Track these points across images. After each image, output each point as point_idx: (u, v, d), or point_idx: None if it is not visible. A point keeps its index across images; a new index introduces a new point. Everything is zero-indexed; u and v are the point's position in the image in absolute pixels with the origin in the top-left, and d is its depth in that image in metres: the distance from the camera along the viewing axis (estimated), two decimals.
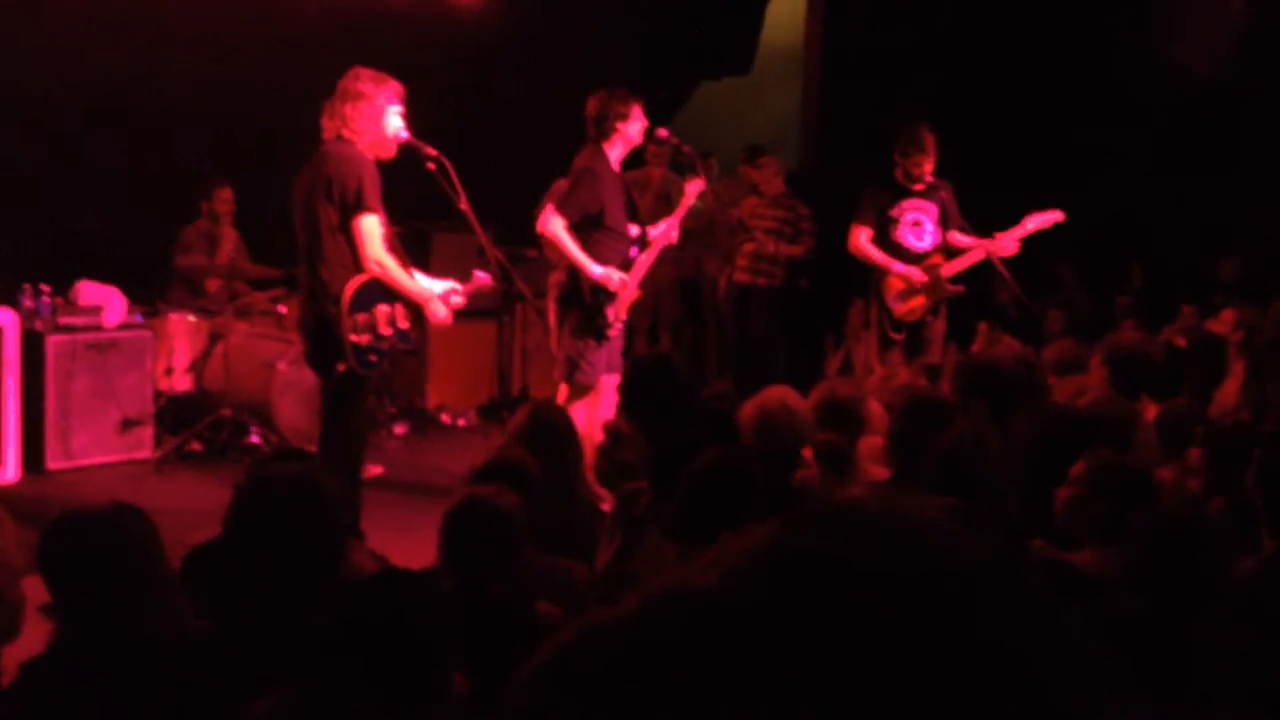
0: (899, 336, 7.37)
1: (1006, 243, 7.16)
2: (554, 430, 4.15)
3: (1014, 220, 7.26)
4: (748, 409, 4.00)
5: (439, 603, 2.35)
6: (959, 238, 7.35)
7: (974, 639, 0.57)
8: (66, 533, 2.70)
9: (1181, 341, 6.02)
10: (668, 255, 7.32)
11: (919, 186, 7.29)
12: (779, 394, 4.02)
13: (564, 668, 0.60)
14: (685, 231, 7.29)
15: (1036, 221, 7.15)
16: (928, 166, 7.24)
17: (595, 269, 6.22)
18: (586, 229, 6.28)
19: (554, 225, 6.23)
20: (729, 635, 0.57)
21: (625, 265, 6.36)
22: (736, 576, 0.60)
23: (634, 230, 6.47)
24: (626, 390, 4.54)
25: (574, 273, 6.31)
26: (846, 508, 0.63)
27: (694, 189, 6.57)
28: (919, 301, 7.32)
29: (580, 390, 6.31)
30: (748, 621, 0.58)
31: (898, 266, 7.28)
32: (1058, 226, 7.21)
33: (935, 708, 0.55)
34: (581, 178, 6.32)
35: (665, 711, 0.56)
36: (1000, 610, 0.59)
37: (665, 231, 6.55)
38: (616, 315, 6.34)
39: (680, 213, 6.62)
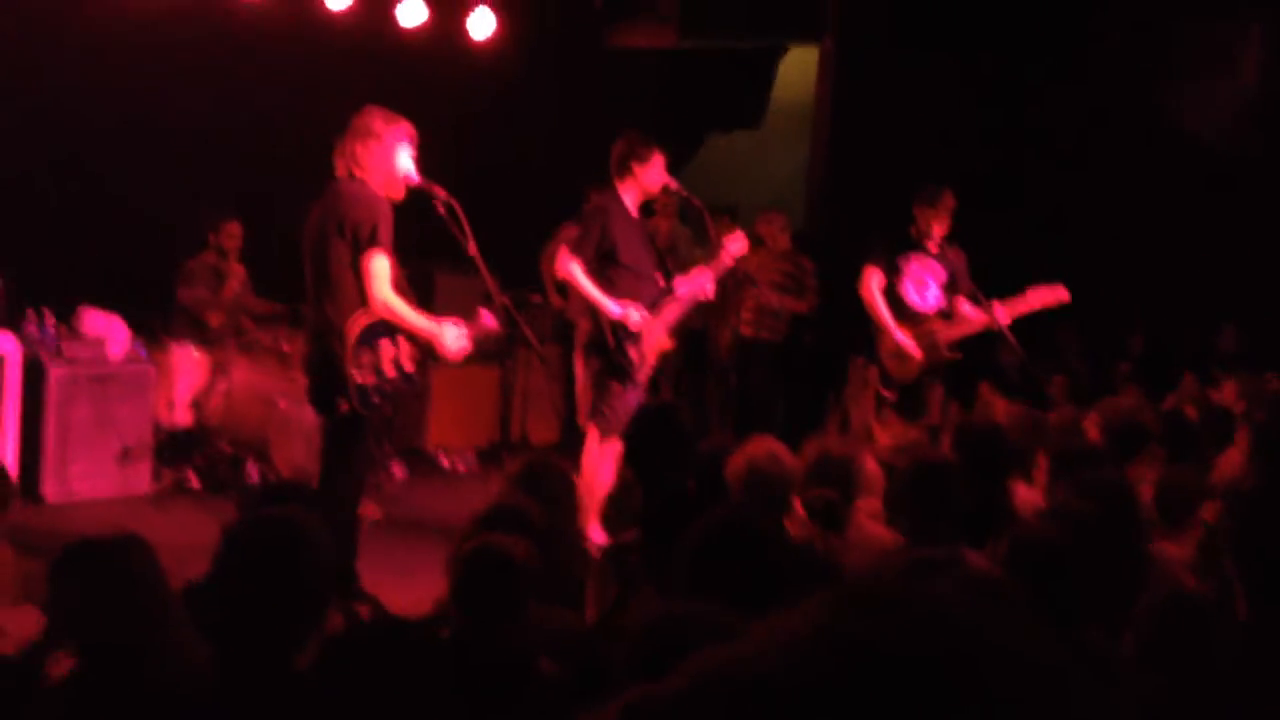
0: (890, 394, 7.38)
1: (1006, 315, 7.16)
2: (550, 479, 4.13)
3: (1013, 284, 7.26)
4: (736, 460, 4.01)
5: (430, 655, 2.33)
6: (965, 307, 7.34)
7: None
8: (78, 562, 2.71)
9: (1192, 412, 6.04)
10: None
11: (932, 247, 7.31)
12: (766, 445, 4.03)
13: None
14: None
15: (1040, 297, 7.13)
16: (942, 229, 7.27)
17: (614, 308, 6.28)
18: (604, 268, 6.34)
19: (570, 267, 6.33)
20: (778, 717, 0.57)
21: (650, 306, 6.40)
22: (785, 658, 0.60)
23: (660, 278, 6.52)
24: (629, 438, 4.54)
25: (597, 318, 6.36)
26: (887, 590, 0.63)
27: (736, 246, 6.59)
28: (914, 363, 7.32)
29: (608, 434, 6.32)
30: (797, 703, 0.57)
31: (898, 335, 7.27)
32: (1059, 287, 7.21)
33: None
34: (592, 217, 6.44)
35: None
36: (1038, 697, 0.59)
37: (700, 284, 6.57)
38: (642, 357, 6.36)
39: (719, 268, 6.63)
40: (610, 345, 6.32)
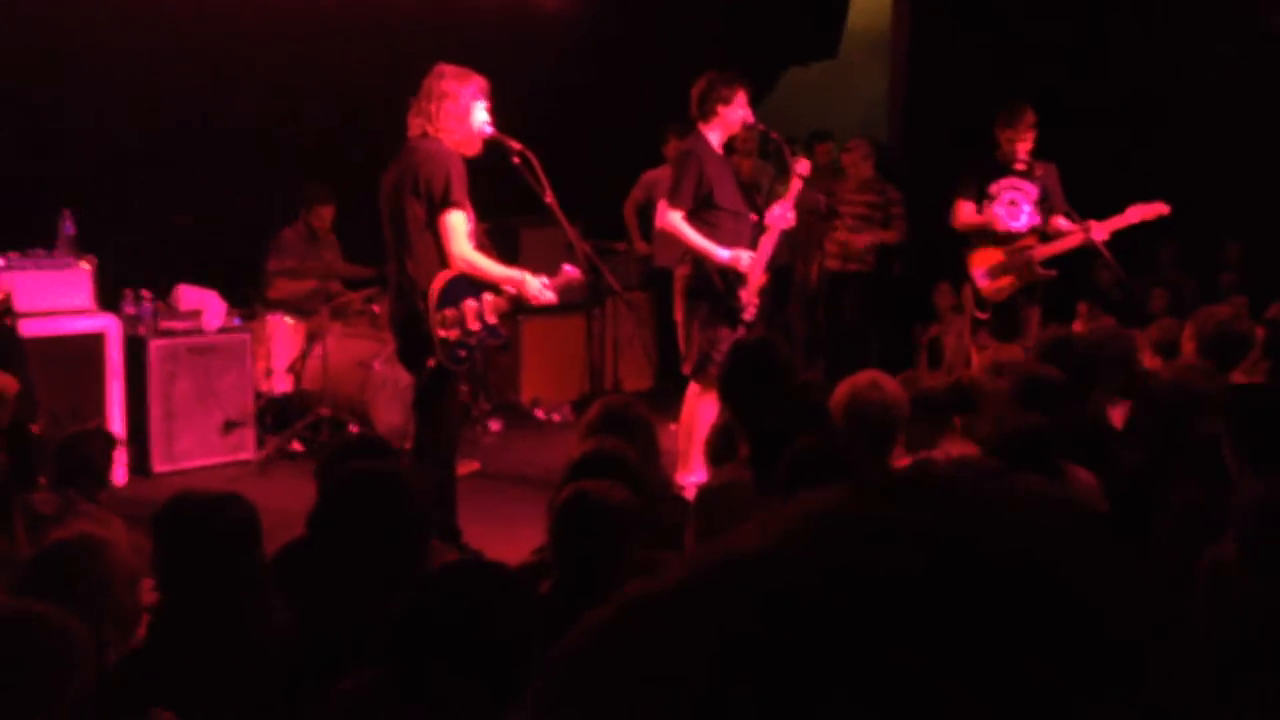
0: (984, 315, 7.27)
1: (1104, 231, 6.99)
2: (626, 422, 4.12)
3: (1109, 200, 7.09)
4: (839, 393, 3.94)
5: (521, 597, 2.34)
6: (1062, 223, 7.18)
7: (1040, 606, 0.53)
8: (183, 510, 2.79)
9: None
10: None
11: (1019, 165, 7.15)
12: (870, 377, 3.95)
13: (603, 641, 0.57)
14: None
15: (1139, 213, 6.96)
16: (1027, 145, 7.11)
17: (722, 253, 6.24)
18: (700, 213, 6.29)
19: (671, 218, 6.27)
20: (778, 602, 0.54)
21: (750, 245, 6.35)
22: (785, 541, 0.56)
23: (752, 215, 6.45)
24: (725, 374, 4.48)
25: (699, 263, 6.31)
26: (911, 474, 0.60)
27: (802, 169, 6.52)
28: (1007, 281, 7.20)
29: (713, 382, 6.28)
30: (797, 587, 0.54)
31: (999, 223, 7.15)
32: (1154, 201, 7.02)
33: (988, 677, 0.51)
34: (684, 162, 6.35)
35: (710, 680, 0.52)
36: (1075, 578, 0.55)
37: (781, 214, 6.49)
38: (749, 299, 6.32)
39: (793, 194, 6.56)
40: (720, 289, 6.28)
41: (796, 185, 6.56)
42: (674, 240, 6.45)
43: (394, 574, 2.80)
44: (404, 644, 2.21)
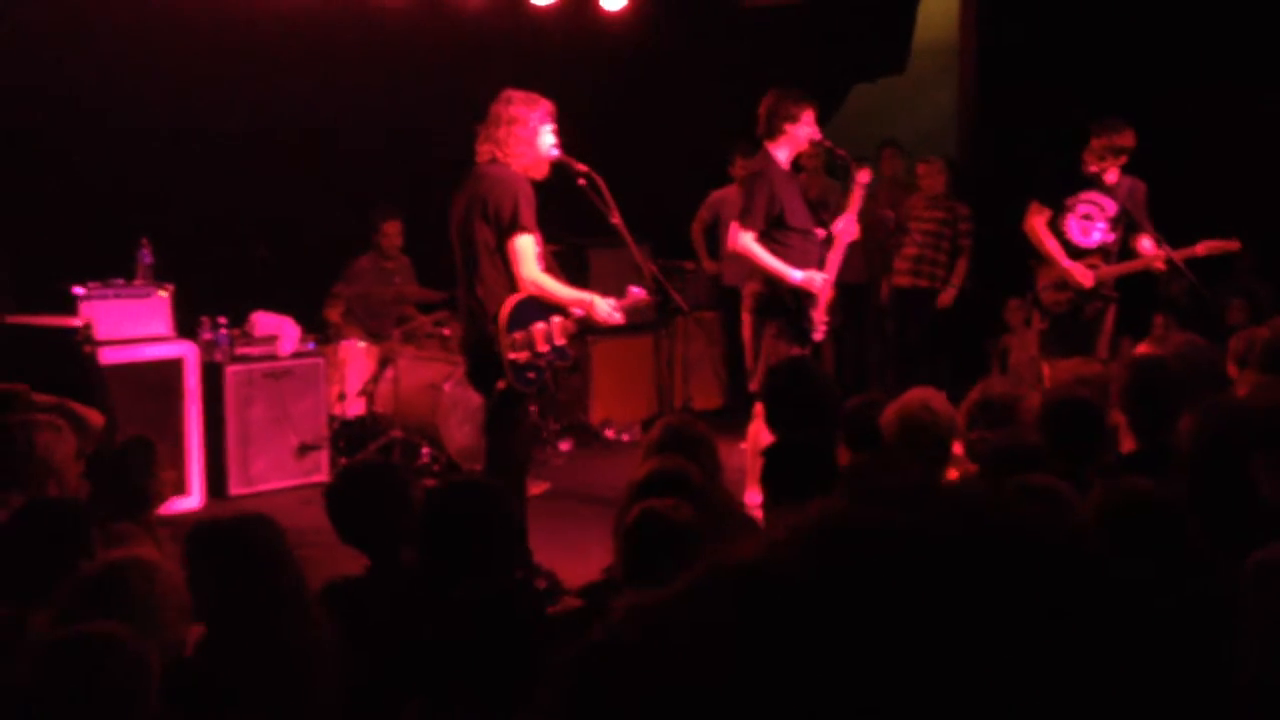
0: (1044, 325, 7.20)
1: (1173, 261, 6.90)
2: (688, 440, 4.12)
3: (1186, 210, 6.99)
4: (889, 412, 3.93)
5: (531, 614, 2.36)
6: (1145, 244, 7.06)
7: (1024, 618, 0.54)
8: (199, 541, 2.84)
9: None
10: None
11: (1107, 180, 7.05)
12: (920, 395, 3.93)
13: (610, 647, 0.58)
14: None
15: (1210, 248, 6.88)
16: (1115, 162, 7.01)
17: (796, 274, 6.25)
18: (771, 233, 6.29)
19: (744, 241, 6.29)
20: (776, 608, 0.55)
21: (819, 263, 6.35)
22: (784, 549, 0.57)
23: (820, 232, 6.45)
24: (766, 396, 4.48)
25: (771, 281, 6.32)
26: (906, 486, 0.60)
27: (863, 178, 6.51)
28: (1067, 295, 7.11)
29: None
30: (794, 593, 0.55)
31: (1066, 263, 7.06)
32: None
33: (978, 682, 0.52)
34: (755, 183, 6.36)
35: (712, 685, 0.54)
36: (1058, 593, 0.55)
37: (846, 228, 6.49)
38: (819, 318, 6.33)
39: (856, 206, 6.55)
40: (791, 308, 6.29)
41: (858, 195, 6.54)
42: (744, 259, 6.45)
43: (482, 588, 2.83)
44: (436, 671, 2.24)
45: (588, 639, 0.60)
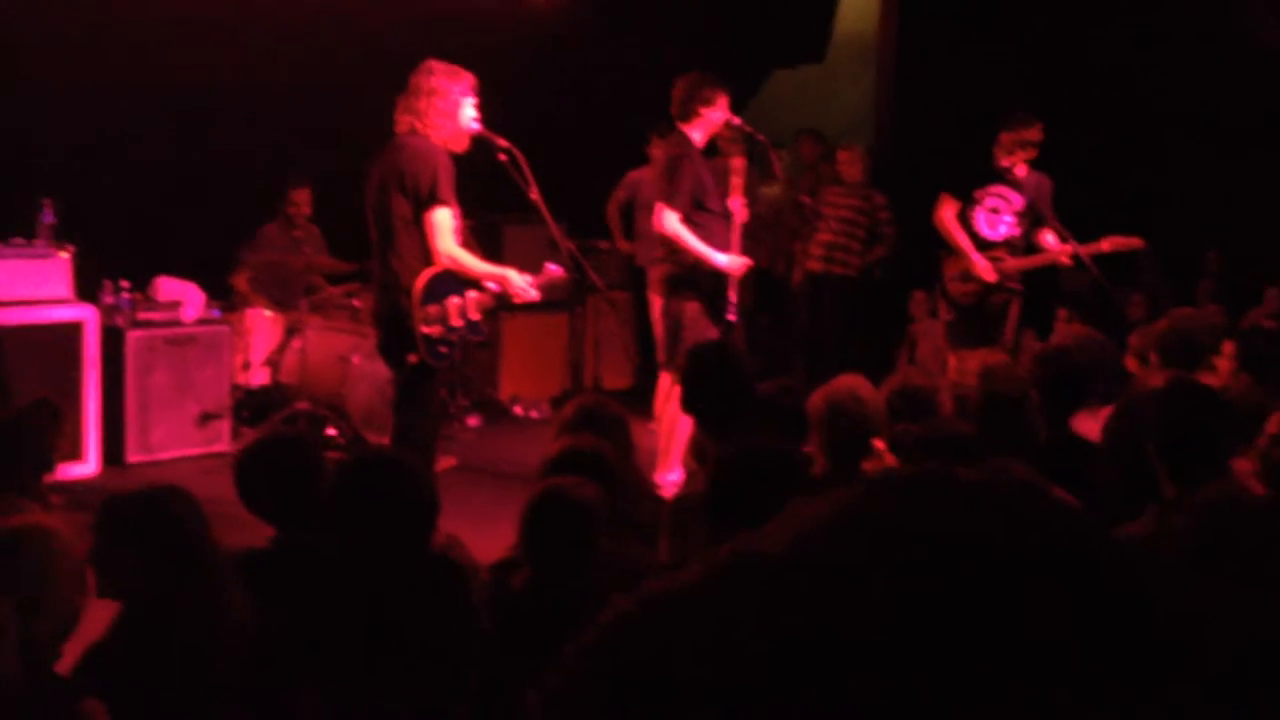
0: (951, 317, 7.33)
1: (1078, 255, 7.03)
2: (601, 420, 4.12)
3: (1093, 208, 7.12)
4: (816, 399, 3.93)
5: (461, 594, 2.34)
6: (1048, 239, 7.19)
7: (1053, 608, 0.53)
8: (115, 516, 2.76)
9: (1270, 324, 5.84)
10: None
11: (1014, 175, 7.16)
12: (849, 383, 3.93)
13: (627, 635, 0.57)
14: (757, 220, 7.24)
15: (1114, 244, 7.02)
16: (1024, 156, 7.12)
17: (720, 258, 6.26)
18: (690, 215, 6.29)
19: (670, 222, 6.27)
20: (800, 599, 0.54)
21: (728, 245, 6.37)
22: (808, 540, 0.56)
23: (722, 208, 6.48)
24: (685, 381, 4.47)
25: (686, 262, 6.31)
26: (925, 474, 0.60)
27: (739, 167, 6.56)
28: (975, 286, 7.23)
29: None
30: (819, 585, 0.54)
31: (975, 256, 7.17)
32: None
33: (1004, 673, 0.51)
34: (678, 164, 6.33)
35: (733, 676, 0.53)
36: (1080, 578, 0.55)
37: (740, 209, 6.52)
38: (733, 299, 6.36)
39: (738, 189, 6.57)
40: (707, 290, 6.30)
41: (737, 179, 6.57)
42: (668, 240, 6.44)
43: (402, 564, 2.80)
44: (352, 645, 2.21)
45: (600, 627, 0.58)
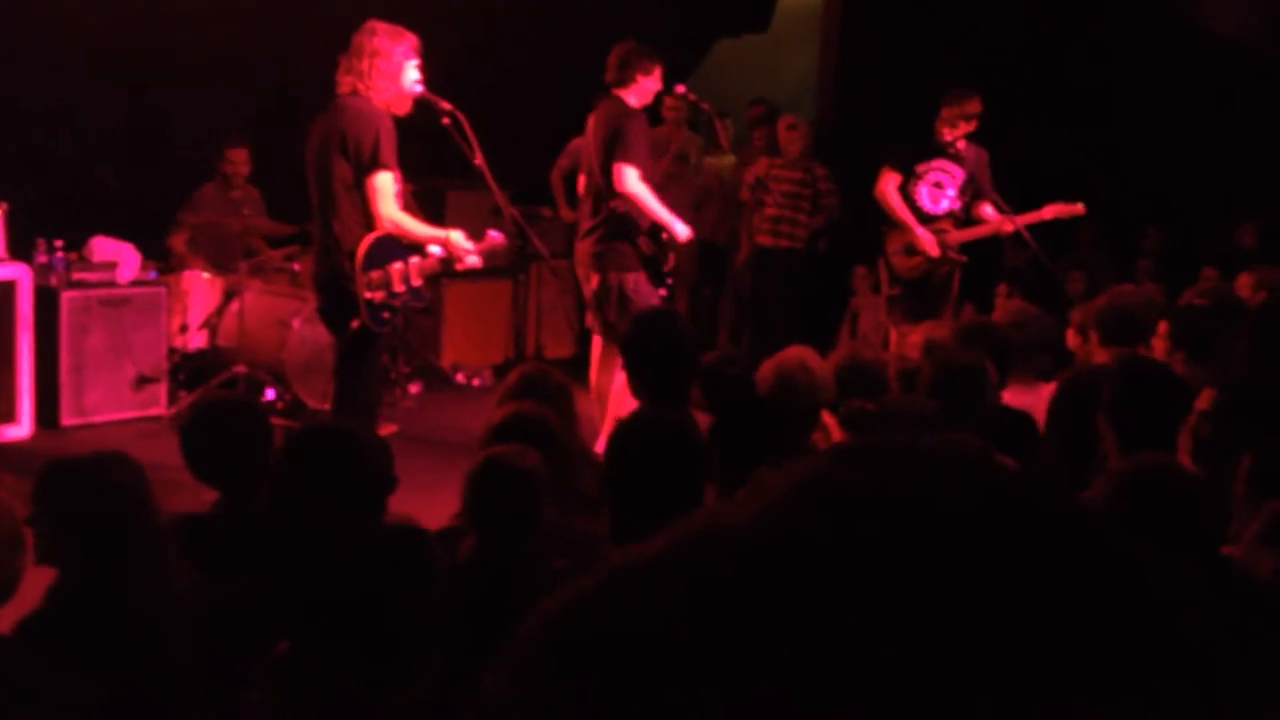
0: (894, 291, 7.37)
1: (1019, 226, 7.10)
2: (544, 389, 4.10)
3: (1035, 183, 7.19)
4: (765, 369, 3.93)
5: (427, 568, 2.32)
6: (987, 211, 7.25)
7: (1030, 574, 0.53)
8: (58, 482, 2.72)
9: (1203, 302, 5.92)
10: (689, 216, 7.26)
11: (954, 149, 7.20)
12: (798, 354, 3.94)
13: (587, 609, 0.56)
14: (703, 191, 7.22)
15: (1056, 211, 7.09)
16: (965, 130, 7.17)
17: (680, 228, 6.21)
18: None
19: (630, 180, 6.11)
20: (768, 570, 0.53)
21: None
22: (776, 510, 0.56)
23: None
24: (628, 346, 4.44)
25: (620, 227, 6.25)
26: (894, 443, 0.59)
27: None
28: (919, 260, 7.28)
29: None
30: (788, 556, 0.54)
31: (918, 230, 7.21)
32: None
33: (979, 647, 0.51)
34: (633, 120, 6.22)
35: (699, 650, 0.52)
36: (1057, 547, 0.55)
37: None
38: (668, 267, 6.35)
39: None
40: (651, 253, 6.26)
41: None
42: (588, 211, 6.36)
43: (350, 534, 2.78)
44: (316, 618, 2.19)
45: (563, 598, 0.57)
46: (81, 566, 2.62)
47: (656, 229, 6.26)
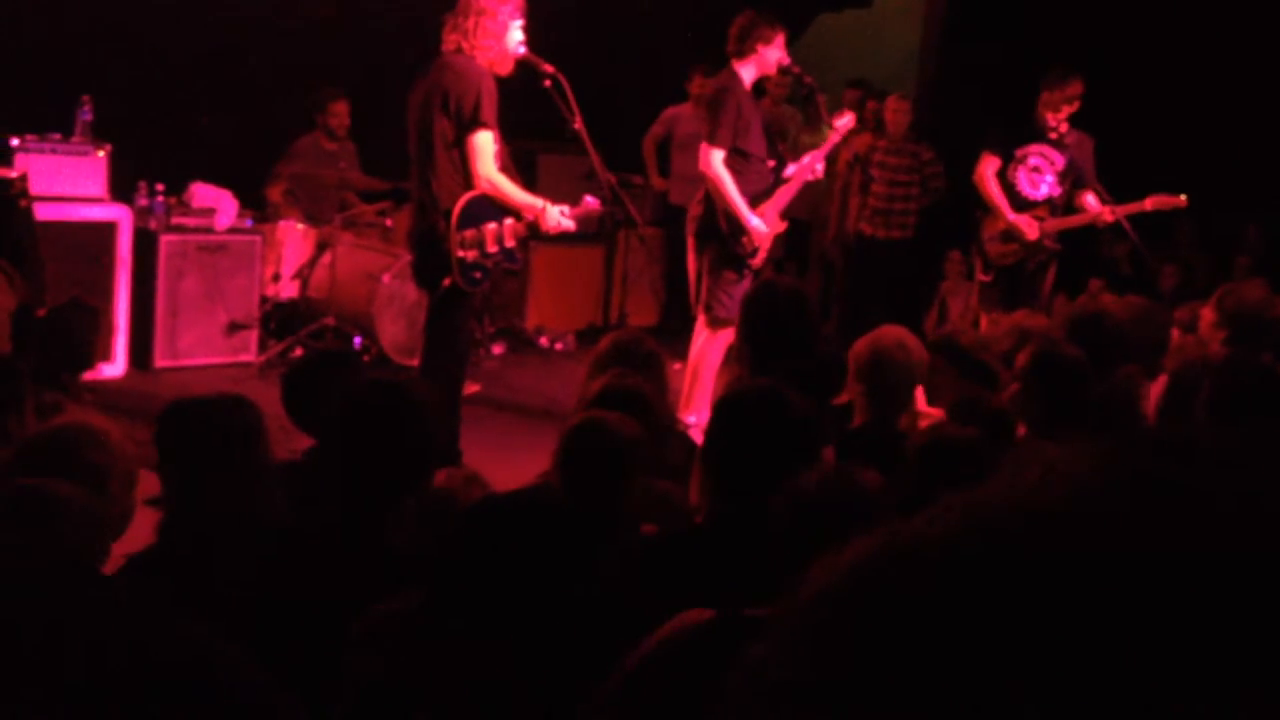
0: (987, 278, 7.24)
1: (1118, 217, 6.95)
2: (638, 357, 4.08)
3: (1135, 173, 7.02)
4: (860, 347, 3.88)
5: (552, 528, 2.31)
6: (1089, 199, 7.09)
7: None
8: (186, 417, 2.76)
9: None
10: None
11: (1053, 134, 7.05)
12: (895, 333, 3.89)
13: (877, 580, 0.53)
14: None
15: (1157, 203, 6.92)
16: (1068, 112, 7.01)
17: (752, 219, 6.09)
18: (729, 156, 6.13)
19: (715, 163, 6.06)
20: (1089, 557, 0.50)
21: (766, 194, 6.25)
22: (1086, 495, 0.52)
23: (770, 162, 6.34)
24: (747, 315, 4.37)
25: (710, 203, 6.19)
26: (1176, 434, 0.55)
27: (843, 125, 6.45)
28: (1013, 247, 7.15)
29: (718, 324, 6.20)
30: (1114, 544, 0.50)
31: (1011, 216, 7.08)
32: (1176, 179, 6.96)
33: None
34: (722, 100, 6.15)
35: (1004, 633, 0.49)
36: None
37: (809, 165, 6.40)
38: (755, 247, 6.19)
39: (827, 148, 6.49)
40: (724, 232, 6.17)
41: (834, 139, 6.47)
42: (694, 179, 6.31)
43: (399, 490, 2.79)
44: (444, 572, 2.19)
45: (836, 570, 0.55)
46: (200, 499, 2.67)
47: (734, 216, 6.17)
